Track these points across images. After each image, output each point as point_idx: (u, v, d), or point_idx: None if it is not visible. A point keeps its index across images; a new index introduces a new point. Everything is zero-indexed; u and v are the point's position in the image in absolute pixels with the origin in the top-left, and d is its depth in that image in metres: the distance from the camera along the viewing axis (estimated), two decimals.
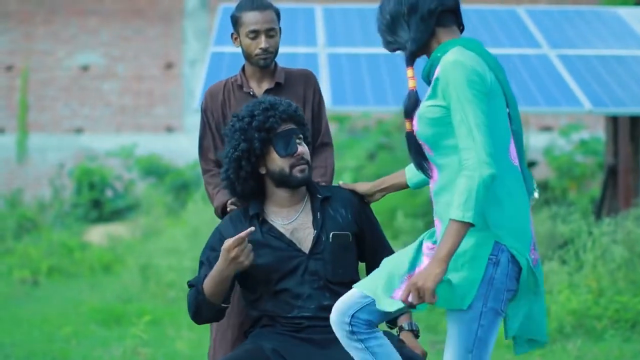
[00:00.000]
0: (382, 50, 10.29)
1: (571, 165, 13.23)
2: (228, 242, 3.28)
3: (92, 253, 11.27)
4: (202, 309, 3.43)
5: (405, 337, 3.45)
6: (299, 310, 3.41)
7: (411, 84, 3.10)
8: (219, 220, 3.83)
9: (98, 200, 14.30)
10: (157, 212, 12.61)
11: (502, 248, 2.98)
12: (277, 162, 3.42)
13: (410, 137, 3.11)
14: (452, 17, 3.12)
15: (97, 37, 16.08)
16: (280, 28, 3.86)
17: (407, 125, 3.11)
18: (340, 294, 3.32)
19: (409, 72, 3.10)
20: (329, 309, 3.35)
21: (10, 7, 16.06)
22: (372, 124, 14.38)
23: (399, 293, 3.07)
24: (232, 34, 3.88)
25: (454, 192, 2.96)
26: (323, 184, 3.72)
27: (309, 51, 9.01)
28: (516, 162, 3.07)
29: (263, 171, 3.46)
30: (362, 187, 3.56)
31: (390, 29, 3.13)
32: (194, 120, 15.78)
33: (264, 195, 3.51)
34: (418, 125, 3.07)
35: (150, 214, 12.71)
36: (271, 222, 3.45)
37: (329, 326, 3.33)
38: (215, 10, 13.81)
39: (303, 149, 3.46)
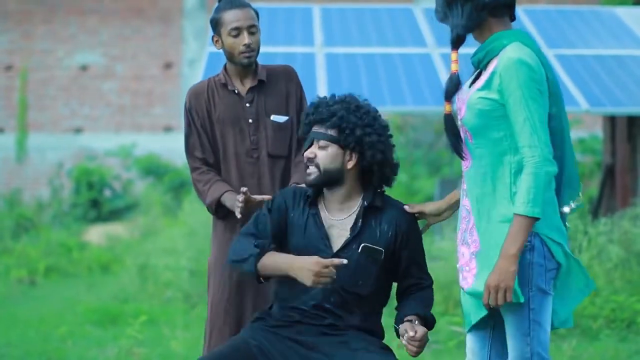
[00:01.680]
0: (379, 50, 10.18)
1: None
2: (323, 263, 3.28)
3: (90, 253, 11.28)
4: (244, 267, 3.46)
5: (406, 325, 3.38)
6: (299, 302, 3.43)
7: (454, 67, 3.20)
8: (215, 220, 3.86)
9: (97, 200, 14.30)
10: (155, 212, 12.62)
11: (534, 234, 3.08)
12: None
13: (448, 119, 3.21)
14: (506, 9, 3.20)
15: (97, 36, 16.09)
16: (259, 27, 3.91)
17: (447, 107, 3.20)
18: (348, 302, 3.40)
19: (453, 55, 3.20)
20: (325, 311, 3.38)
21: (9, 6, 16.06)
22: None
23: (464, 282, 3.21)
24: (212, 37, 3.91)
25: (490, 182, 3.11)
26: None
27: (306, 51, 9.01)
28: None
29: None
30: (431, 207, 3.54)
31: (446, 3, 3.20)
32: None
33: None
34: (466, 113, 3.16)
35: (148, 214, 12.72)
36: (320, 210, 3.50)
37: (319, 326, 3.37)
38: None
39: (308, 152, 3.50)
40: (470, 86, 3.23)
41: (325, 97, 3.54)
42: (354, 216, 3.48)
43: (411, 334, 3.30)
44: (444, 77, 7.68)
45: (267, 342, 3.39)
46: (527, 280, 3.09)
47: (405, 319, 3.42)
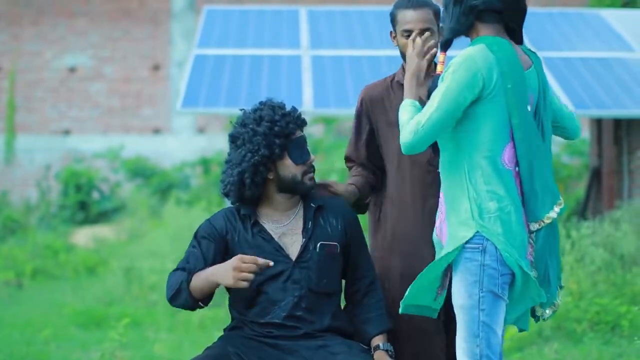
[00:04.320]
0: (365, 53, 10.17)
1: (557, 167, 13.22)
2: (243, 258, 3.25)
3: (77, 255, 11.25)
4: (181, 297, 3.40)
5: (380, 356, 3.45)
6: (272, 317, 3.42)
7: (439, 68, 3.28)
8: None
9: (84, 202, 14.28)
10: (142, 214, 12.60)
11: (486, 239, 3.09)
12: (290, 168, 3.43)
13: None
14: (496, 16, 3.21)
15: (85, 38, 16.06)
16: (438, 28, 3.61)
17: None
18: (317, 304, 3.41)
19: (441, 57, 3.27)
20: (297, 319, 3.38)
21: None
22: None
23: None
24: (390, 32, 3.71)
25: (456, 175, 3.15)
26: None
27: (292, 53, 9.01)
28: (509, 166, 3.14)
29: (271, 176, 3.45)
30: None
31: (445, 10, 3.28)
32: (181, 122, 15.77)
33: (259, 197, 3.49)
34: None
35: (135, 216, 12.70)
36: (262, 224, 3.47)
37: (296, 333, 3.37)
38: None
39: (313, 156, 3.53)
40: None
41: (270, 106, 3.48)
42: (300, 218, 3.49)
43: None
44: None
45: (245, 348, 3.39)
46: (479, 281, 3.11)
47: (374, 342, 3.47)
